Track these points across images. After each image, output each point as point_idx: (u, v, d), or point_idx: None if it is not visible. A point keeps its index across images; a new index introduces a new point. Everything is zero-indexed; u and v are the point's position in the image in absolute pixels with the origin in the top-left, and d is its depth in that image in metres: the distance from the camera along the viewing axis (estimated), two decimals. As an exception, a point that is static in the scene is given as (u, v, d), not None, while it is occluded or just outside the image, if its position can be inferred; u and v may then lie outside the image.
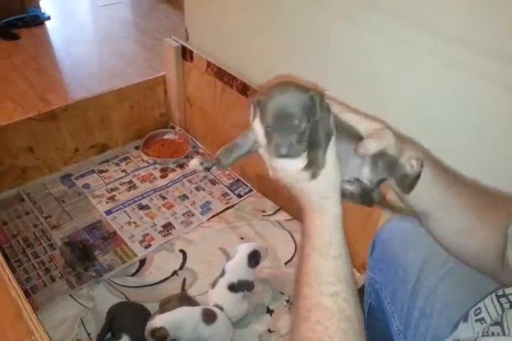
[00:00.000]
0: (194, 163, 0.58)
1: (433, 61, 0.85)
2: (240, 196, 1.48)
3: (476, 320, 0.53)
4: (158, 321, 0.96)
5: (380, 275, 0.86)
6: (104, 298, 1.12)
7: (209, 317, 1.02)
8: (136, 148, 1.65)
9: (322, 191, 0.56)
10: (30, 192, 1.45)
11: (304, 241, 0.57)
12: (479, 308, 0.54)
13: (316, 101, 0.52)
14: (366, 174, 0.59)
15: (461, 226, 0.60)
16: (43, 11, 2.78)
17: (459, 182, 0.60)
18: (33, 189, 1.46)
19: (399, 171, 0.56)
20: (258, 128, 0.55)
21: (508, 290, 0.50)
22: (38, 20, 2.69)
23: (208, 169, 0.59)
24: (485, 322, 0.51)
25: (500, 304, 0.50)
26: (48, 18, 2.76)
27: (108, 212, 1.39)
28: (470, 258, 0.65)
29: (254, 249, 1.13)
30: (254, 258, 1.12)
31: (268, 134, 0.53)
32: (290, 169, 0.55)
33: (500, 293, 0.51)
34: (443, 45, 0.81)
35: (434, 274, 0.76)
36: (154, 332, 0.94)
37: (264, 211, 1.41)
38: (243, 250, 1.13)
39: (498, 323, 0.47)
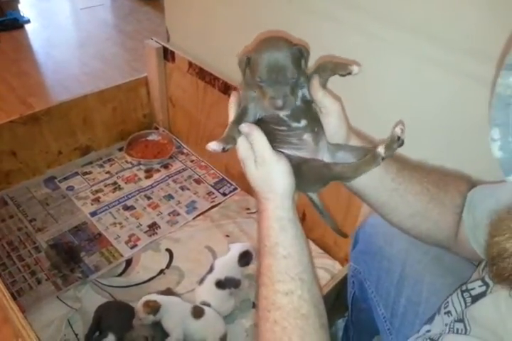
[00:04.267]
0: (214, 146, 0.55)
1: (410, 58, 0.87)
2: (224, 194, 1.49)
3: (445, 313, 0.57)
4: (152, 296, 1.01)
5: (364, 266, 0.88)
6: (90, 299, 1.12)
7: (197, 312, 1.04)
8: (120, 149, 1.65)
9: (261, 190, 0.57)
10: (14, 195, 1.44)
11: (258, 243, 0.59)
12: (447, 302, 0.57)
13: (304, 54, 0.54)
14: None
15: (415, 211, 0.63)
16: (22, 14, 2.75)
17: (407, 166, 0.63)
18: (17, 192, 1.45)
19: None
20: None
21: (470, 285, 0.54)
22: (17, 24, 2.66)
23: (227, 150, 0.56)
24: (451, 315, 0.55)
25: (464, 298, 0.53)
26: (28, 21, 2.73)
27: (93, 214, 1.39)
28: (424, 238, 0.68)
29: (247, 249, 1.16)
30: (245, 257, 1.14)
31: (261, 89, 0.54)
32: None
33: (463, 288, 0.55)
34: (422, 43, 0.83)
35: (419, 263, 0.78)
36: (148, 302, 0.98)
37: (248, 208, 1.42)
38: (236, 249, 1.16)
39: (461, 320, 0.50)
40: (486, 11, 0.73)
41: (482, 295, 0.50)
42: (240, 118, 0.56)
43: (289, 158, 0.57)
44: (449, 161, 0.83)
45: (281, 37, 0.55)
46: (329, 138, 0.61)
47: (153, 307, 0.98)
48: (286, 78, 0.52)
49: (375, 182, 0.60)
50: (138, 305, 0.99)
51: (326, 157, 0.60)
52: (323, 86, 0.57)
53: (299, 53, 0.54)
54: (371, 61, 0.95)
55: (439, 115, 0.88)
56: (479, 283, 0.51)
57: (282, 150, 0.58)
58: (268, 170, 0.55)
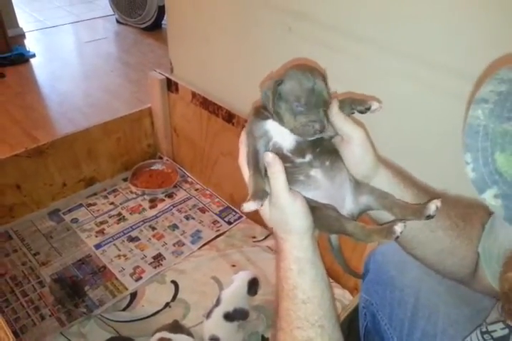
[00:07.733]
0: (251, 206, 0.50)
1: (411, 84, 0.88)
2: (230, 223, 1.47)
3: None
4: (168, 335, 0.97)
5: (376, 297, 0.86)
6: (95, 335, 1.09)
7: None
8: (124, 180, 1.65)
9: (277, 230, 0.54)
10: (18, 229, 1.43)
11: (276, 283, 0.56)
12: None
13: (326, 80, 0.52)
14: (348, 205, 0.56)
15: (443, 246, 0.61)
16: (27, 48, 2.83)
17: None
18: (21, 226, 1.44)
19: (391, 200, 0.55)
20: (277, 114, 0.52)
21: (490, 327, 0.52)
22: (23, 58, 2.72)
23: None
24: None
25: (484, 340, 0.51)
26: (33, 55, 2.80)
27: (97, 246, 1.38)
28: (447, 273, 0.66)
29: (253, 276, 1.14)
30: (254, 285, 1.13)
31: (295, 113, 0.50)
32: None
33: (483, 329, 0.53)
34: (420, 69, 0.85)
35: (433, 293, 0.76)
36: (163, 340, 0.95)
37: (254, 237, 1.41)
38: (242, 278, 1.14)
39: None
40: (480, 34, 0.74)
41: (506, 338, 0.48)
42: (257, 165, 0.53)
43: (306, 199, 0.54)
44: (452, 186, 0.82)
45: (305, 64, 0.53)
46: (354, 169, 0.55)
47: None
48: (324, 101, 0.51)
49: None
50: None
51: (348, 198, 0.55)
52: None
53: (325, 79, 0.52)
54: (370, 87, 0.96)
55: (439, 138, 0.88)
56: (501, 325, 0.49)
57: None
58: (283, 211, 0.52)
